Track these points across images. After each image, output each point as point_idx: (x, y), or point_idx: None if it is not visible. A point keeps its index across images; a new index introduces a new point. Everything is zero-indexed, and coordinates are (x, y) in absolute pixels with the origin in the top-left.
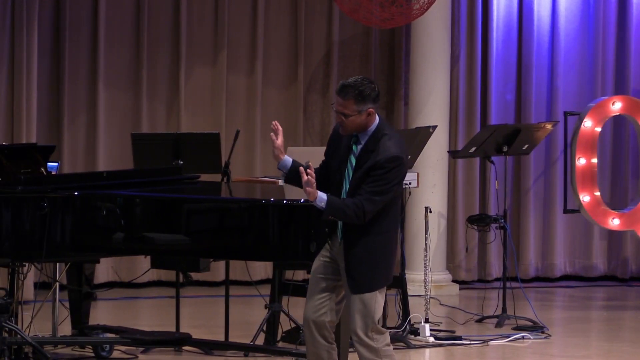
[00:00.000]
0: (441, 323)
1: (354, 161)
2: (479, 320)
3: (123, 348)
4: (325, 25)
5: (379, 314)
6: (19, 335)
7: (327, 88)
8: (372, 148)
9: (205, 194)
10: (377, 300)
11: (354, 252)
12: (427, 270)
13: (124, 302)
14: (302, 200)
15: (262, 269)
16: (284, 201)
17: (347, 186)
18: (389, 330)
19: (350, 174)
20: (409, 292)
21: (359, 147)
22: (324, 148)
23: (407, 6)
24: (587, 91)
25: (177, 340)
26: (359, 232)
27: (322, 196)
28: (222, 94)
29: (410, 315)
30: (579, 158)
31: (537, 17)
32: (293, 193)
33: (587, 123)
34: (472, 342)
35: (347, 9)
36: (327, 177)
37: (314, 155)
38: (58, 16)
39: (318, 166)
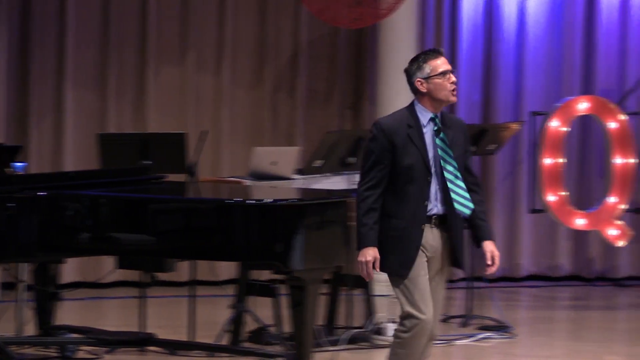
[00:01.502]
0: None
1: (440, 143)
2: (444, 320)
3: (88, 348)
4: (292, 26)
5: None
6: None
7: (295, 88)
8: (447, 124)
9: (172, 194)
10: None
11: (457, 229)
12: None
13: (89, 303)
14: (271, 200)
15: (228, 269)
16: (250, 201)
17: (448, 171)
18: (354, 330)
19: (447, 158)
20: (374, 292)
21: (437, 125)
22: (291, 148)
23: (375, 6)
24: (554, 91)
25: (141, 341)
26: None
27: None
28: (189, 94)
29: (375, 315)
30: (545, 158)
31: (505, 17)
32: (259, 193)
33: (554, 123)
34: (437, 342)
35: (314, 9)
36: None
37: (281, 155)
38: (25, 16)
39: (380, 174)
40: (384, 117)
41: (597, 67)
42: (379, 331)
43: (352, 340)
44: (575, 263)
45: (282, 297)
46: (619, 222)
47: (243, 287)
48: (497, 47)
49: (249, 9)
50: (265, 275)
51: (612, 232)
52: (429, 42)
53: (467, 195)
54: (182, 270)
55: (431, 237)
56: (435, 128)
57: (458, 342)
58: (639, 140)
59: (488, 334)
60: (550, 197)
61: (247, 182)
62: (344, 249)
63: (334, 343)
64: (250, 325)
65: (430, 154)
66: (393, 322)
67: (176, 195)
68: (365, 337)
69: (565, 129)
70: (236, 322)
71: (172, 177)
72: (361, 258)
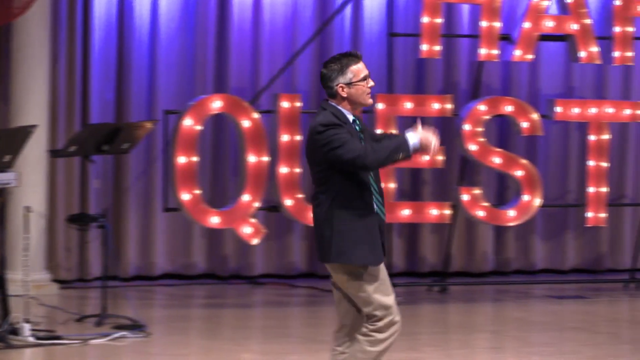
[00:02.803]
0: (41, 323)
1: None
2: (79, 320)
3: None
4: None
5: None
6: None
7: None
8: (361, 123)
9: None
10: None
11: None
12: (26, 270)
13: None
14: None
15: None
16: None
17: None
18: None
19: None
20: (9, 292)
21: (360, 126)
22: None
23: (8, 6)
24: (188, 90)
25: None
26: None
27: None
28: None
29: (11, 315)
30: (179, 157)
31: (138, 16)
32: None
33: (187, 121)
34: (72, 341)
35: None
36: None
37: None
38: None
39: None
40: (320, 118)
41: (230, 65)
42: (15, 331)
43: None
44: (210, 261)
45: None
46: (252, 220)
47: None
48: (130, 46)
49: None
50: None
51: (246, 230)
52: (62, 40)
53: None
54: None
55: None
56: (359, 129)
57: (93, 342)
58: (272, 139)
59: (123, 333)
60: (185, 196)
61: None
62: None
63: None
64: None
65: None
66: (28, 322)
67: None
68: (1, 337)
69: (198, 127)
70: None
71: None
72: (427, 141)
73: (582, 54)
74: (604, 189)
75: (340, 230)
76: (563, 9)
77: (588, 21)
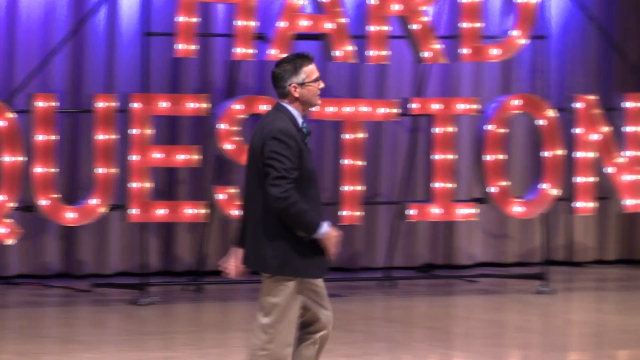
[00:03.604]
0: None
1: (308, 145)
2: None
3: None
4: None
5: None
6: None
7: None
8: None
9: None
10: None
11: None
12: None
13: None
14: None
15: None
16: None
17: None
18: None
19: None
20: None
21: (306, 130)
22: None
23: None
24: None
25: None
26: None
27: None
28: None
29: None
30: None
31: None
32: None
33: None
34: None
35: None
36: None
37: None
38: None
39: (296, 175)
40: (279, 123)
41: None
42: None
43: None
44: None
45: None
46: (7, 221)
47: None
48: None
49: None
50: None
51: (0, 230)
52: None
53: None
54: None
55: None
56: (306, 131)
57: None
58: (27, 139)
59: None
60: None
61: None
62: None
63: None
64: None
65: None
66: None
67: None
68: None
69: None
70: None
71: None
72: (334, 236)
73: (337, 52)
74: (359, 188)
75: (283, 239)
76: (318, 8)
77: (343, 20)
